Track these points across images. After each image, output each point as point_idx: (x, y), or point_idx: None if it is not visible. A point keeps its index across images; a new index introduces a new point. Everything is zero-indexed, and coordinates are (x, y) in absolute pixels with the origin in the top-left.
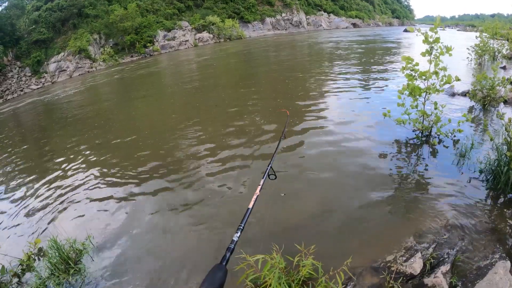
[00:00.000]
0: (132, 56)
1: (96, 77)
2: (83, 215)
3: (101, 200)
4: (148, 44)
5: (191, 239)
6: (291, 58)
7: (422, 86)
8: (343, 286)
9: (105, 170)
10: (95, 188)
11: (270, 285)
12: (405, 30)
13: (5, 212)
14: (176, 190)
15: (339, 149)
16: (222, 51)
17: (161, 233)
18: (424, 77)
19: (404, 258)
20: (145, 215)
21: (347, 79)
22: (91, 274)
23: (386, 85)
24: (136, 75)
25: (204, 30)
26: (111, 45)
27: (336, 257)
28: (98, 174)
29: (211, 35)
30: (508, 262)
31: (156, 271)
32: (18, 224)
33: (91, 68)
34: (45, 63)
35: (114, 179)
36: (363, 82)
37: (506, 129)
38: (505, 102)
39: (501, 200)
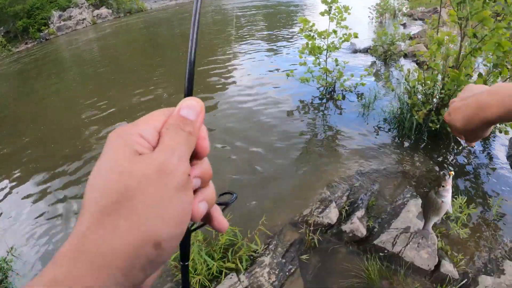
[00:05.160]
0: (27, 43)
1: None
2: None
3: (16, 207)
4: (43, 27)
5: None
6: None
7: (322, 44)
8: (265, 246)
9: (14, 175)
10: (8, 195)
11: (192, 259)
12: None
13: None
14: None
15: (247, 113)
16: (122, 27)
17: None
18: (323, 36)
19: (320, 210)
20: (66, 214)
21: (252, 44)
22: None
23: (290, 47)
24: (34, 65)
25: (102, 6)
26: (2, 33)
27: (253, 220)
28: (7, 181)
29: (110, 10)
30: (419, 199)
31: None
32: None
33: None
34: None
35: (26, 184)
36: (268, 46)
37: (406, 80)
38: (405, 56)
39: (406, 144)
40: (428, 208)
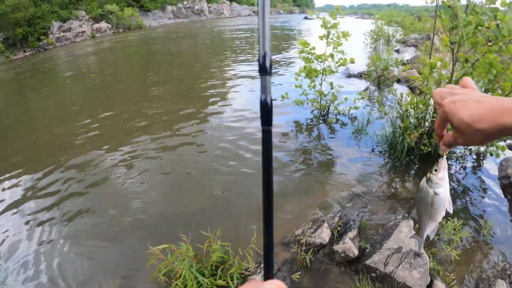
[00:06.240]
0: (25, 51)
1: None
2: None
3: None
4: (42, 37)
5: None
6: (191, 48)
7: (319, 68)
8: (256, 265)
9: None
10: None
11: (183, 276)
12: (306, 18)
13: None
14: (76, 192)
15: (239, 134)
16: (120, 43)
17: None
18: (320, 60)
19: (312, 230)
20: (45, 219)
21: (247, 66)
22: None
23: (287, 70)
24: (29, 74)
25: (102, 20)
26: (1, 39)
27: (243, 237)
28: None
29: (110, 25)
30: (411, 220)
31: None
32: None
33: None
34: None
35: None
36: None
37: (398, 103)
38: (398, 81)
39: (398, 167)
40: (420, 206)
